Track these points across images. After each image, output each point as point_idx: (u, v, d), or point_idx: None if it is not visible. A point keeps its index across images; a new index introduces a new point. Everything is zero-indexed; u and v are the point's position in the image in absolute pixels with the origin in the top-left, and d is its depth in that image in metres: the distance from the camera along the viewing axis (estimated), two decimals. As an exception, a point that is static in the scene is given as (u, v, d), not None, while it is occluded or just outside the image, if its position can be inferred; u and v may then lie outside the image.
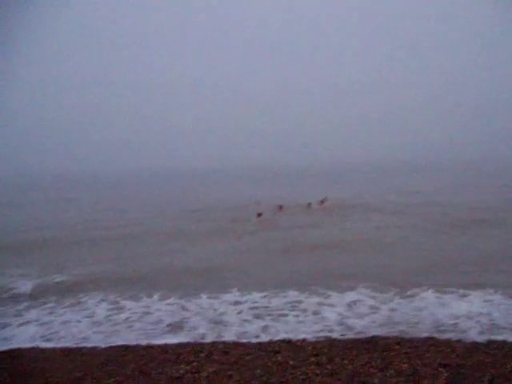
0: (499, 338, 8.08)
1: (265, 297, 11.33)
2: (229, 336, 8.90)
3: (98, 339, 9.14)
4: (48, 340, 9.21)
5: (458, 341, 7.98)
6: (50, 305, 11.59)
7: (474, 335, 8.27)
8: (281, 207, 29.32)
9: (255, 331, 9.09)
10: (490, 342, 7.83)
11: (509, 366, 6.65)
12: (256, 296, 11.43)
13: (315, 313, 10.05)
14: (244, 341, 8.57)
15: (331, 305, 10.53)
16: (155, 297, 11.83)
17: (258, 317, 9.98)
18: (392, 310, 10.01)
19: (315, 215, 27.02)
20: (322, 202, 30.46)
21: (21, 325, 10.23)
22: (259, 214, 25.89)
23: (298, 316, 9.91)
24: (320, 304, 10.63)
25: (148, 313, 10.67)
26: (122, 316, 10.55)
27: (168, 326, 9.74)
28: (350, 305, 10.48)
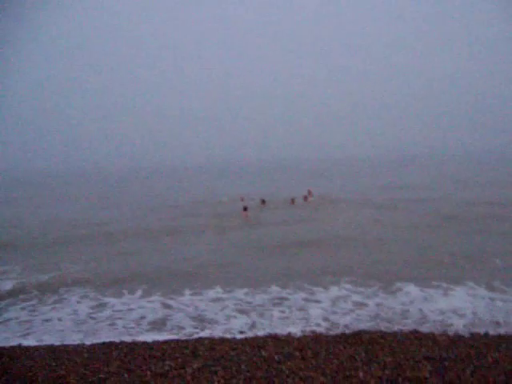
0: (482, 330, 8.19)
1: (248, 293, 11.33)
2: (213, 332, 8.90)
3: (81, 337, 9.06)
4: (30, 338, 9.11)
5: (442, 334, 8.07)
6: (31, 303, 11.45)
7: (458, 328, 8.39)
8: (263, 202, 29.36)
9: (240, 327, 9.10)
10: (473, 335, 7.94)
11: (491, 357, 6.74)
12: (240, 292, 11.43)
13: (300, 309, 10.09)
14: (229, 336, 8.56)
15: (316, 300, 10.57)
16: (138, 294, 11.76)
17: (242, 313, 9.99)
18: (378, 304, 10.08)
19: (299, 210, 27.10)
20: (306, 197, 30.58)
21: (0, 323, 10.10)
22: (245, 208, 25.97)
23: (283, 312, 9.94)
24: (305, 300, 10.67)
25: (131, 309, 10.61)
26: (105, 313, 10.47)
27: (151, 323, 9.71)
28: (335, 300, 10.53)
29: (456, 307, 9.63)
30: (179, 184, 63.49)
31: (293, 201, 29.52)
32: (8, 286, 13.01)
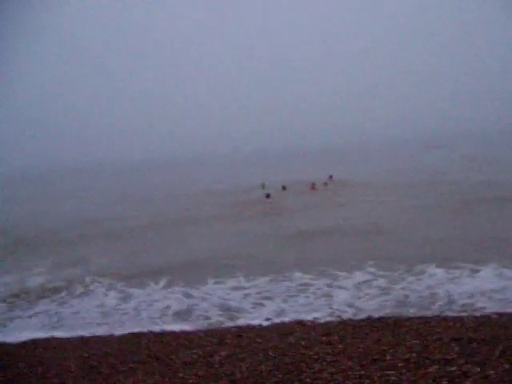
0: (510, 310, 8.11)
1: (272, 280, 11.40)
2: (240, 320, 9.00)
3: (109, 328, 9.26)
4: (61, 330, 9.35)
5: (469, 316, 8.02)
6: (60, 295, 11.76)
7: (486, 310, 8.32)
8: (284, 188, 29.40)
9: (266, 314, 9.17)
10: (501, 315, 7.86)
11: (519, 337, 6.69)
12: (263, 280, 11.51)
13: (325, 294, 10.13)
14: (255, 323, 8.64)
15: (341, 286, 10.59)
16: (161, 284, 11.95)
17: (267, 300, 10.07)
18: (403, 288, 10.05)
19: (320, 196, 27.04)
20: (326, 183, 30.53)
21: (32, 316, 10.39)
22: (267, 196, 26.16)
23: (307, 297, 9.99)
24: (329, 285, 10.71)
25: (155, 300, 10.79)
26: (131, 305, 10.68)
27: (177, 313, 9.86)
28: (359, 285, 10.54)
29: (483, 289, 9.53)
30: (196, 173, 63.73)
31: (313, 186, 29.40)
32: (37, 280, 13.34)
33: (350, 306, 9.28)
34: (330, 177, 32.88)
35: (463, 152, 59.04)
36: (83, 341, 8.54)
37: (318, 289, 10.54)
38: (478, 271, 10.77)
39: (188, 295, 10.96)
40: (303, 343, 7.34)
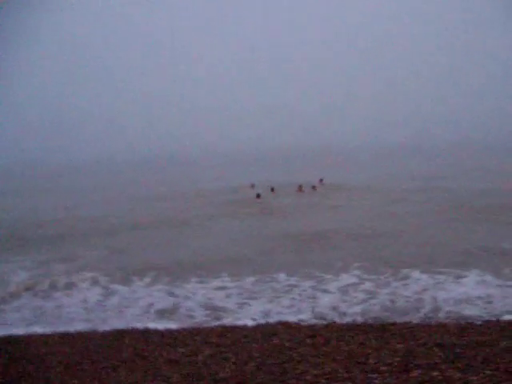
0: (494, 318, 8.18)
1: (257, 281, 11.40)
2: (224, 320, 8.97)
3: (92, 325, 9.18)
4: (43, 325, 9.24)
5: (454, 321, 8.08)
6: (43, 289, 11.64)
7: (470, 316, 8.38)
8: (272, 189, 29.44)
9: (250, 314, 9.15)
10: (486, 322, 7.92)
11: (503, 344, 6.74)
12: (248, 280, 11.50)
13: (310, 296, 10.14)
14: (240, 323, 8.62)
15: (326, 289, 10.62)
16: (145, 281, 11.88)
17: (252, 300, 10.06)
18: (389, 293, 10.10)
19: (309, 198, 27.10)
20: (314, 186, 30.59)
21: (14, 310, 10.27)
22: (258, 196, 26.25)
23: (293, 299, 9.99)
24: (314, 288, 10.73)
25: (140, 297, 10.73)
26: (114, 301, 10.61)
27: (160, 310, 9.79)
28: (345, 288, 10.57)
29: (468, 295, 9.62)
30: (187, 173, 63.62)
31: (300, 188, 29.43)
32: (21, 275, 13.19)
33: (336, 308, 9.30)
34: (321, 180, 33.05)
35: (461, 158, 59.48)
36: (66, 336, 8.44)
37: (304, 291, 10.55)
38: (461, 277, 10.87)
39: (172, 293, 10.92)
40: (288, 344, 7.34)
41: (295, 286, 10.93)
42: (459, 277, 10.90)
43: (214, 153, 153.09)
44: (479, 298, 9.40)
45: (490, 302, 9.09)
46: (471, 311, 8.63)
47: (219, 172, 59.46)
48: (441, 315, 8.53)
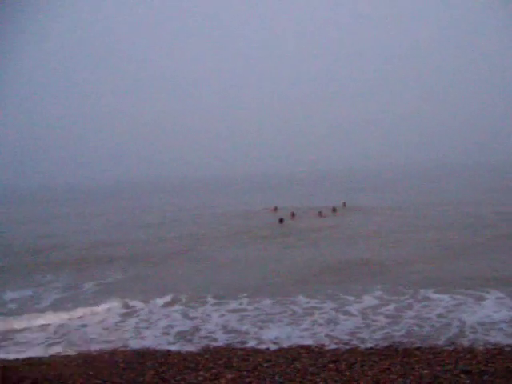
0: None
1: (276, 303, 11.34)
2: (245, 343, 8.89)
3: (114, 345, 9.18)
4: (63, 346, 9.27)
5: (481, 346, 7.89)
6: (64, 311, 11.71)
7: (497, 341, 8.19)
8: (293, 214, 29.38)
9: (272, 337, 9.06)
10: (514, 348, 7.73)
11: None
12: (267, 302, 11.45)
13: (332, 320, 10.03)
14: (262, 347, 8.54)
15: (348, 311, 10.51)
16: (164, 302, 11.93)
17: (272, 323, 9.97)
18: (412, 317, 9.96)
19: (330, 222, 26.90)
20: (335, 209, 30.64)
21: (35, 331, 10.35)
22: (281, 220, 26.48)
23: (314, 322, 9.89)
24: (336, 310, 10.64)
25: (159, 319, 10.75)
26: (133, 321, 10.66)
27: (180, 332, 9.77)
28: (367, 311, 10.46)
29: (493, 318, 9.45)
30: (203, 197, 63.76)
31: (320, 214, 29.48)
32: (51, 296, 13.35)
33: (359, 331, 9.18)
34: (344, 204, 33.50)
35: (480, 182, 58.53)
36: (87, 358, 8.45)
37: (325, 313, 10.46)
38: (482, 298, 10.79)
39: (190, 315, 10.92)
40: (310, 369, 7.25)
41: (315, 307, 10.90)
42: (479, 298, 10.87)
43: (227, 177, 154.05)
44: (503, 321, 9.24)
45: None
46: (498, 335, 8.44)
47: (236, 195, 59.56)
48: (466, 340, 8.35)
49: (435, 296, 11.26)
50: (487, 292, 11.33)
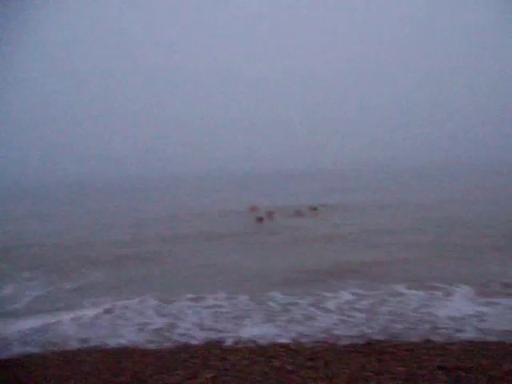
0: (494, 338, 8.09)
1: (252, 299, 11.37)
2: (222, 340, 8.82)
3: (87, 343, 9.05)
4: (38, 345, 9.09)
5: (455, 343, 7.98)
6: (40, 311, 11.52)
7: (470, 336, 8.31)
8: (271, 213, 29.39)
9: (249, 335, 8.99)
10: (487, 344, 7.83)
11: (506, 367, 6.68)
12: (243, 298, 11.47)
13: (309, 316, 10.06)
14: (240, 346, 8.50)
15: (325, 307, 10.57)
16: (137, 299, 11.78)
17: (249, 319, 9.94)
18: (388, 312, 10.07)
19: (307, 221, 27.00)
20: (314, 208, 30.73)
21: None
22: (260, 219, 26.53)
23: (292, 319, 9.88)
24: (314, 305, 10.70)
25: (135, 315, 10.69)
26: (108, 317, 10.60)
27: (157, 330, 9.68)
28: (343, 305, 10.54)
29: (463, 313, 9.62)
30: (187, 195, 63.12)
31: (299, 212, 29.56)
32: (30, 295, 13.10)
33: (335, 327, 9.21)
34: (320, 205, 33.75)
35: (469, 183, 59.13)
36: (62, 358, 8.28)
37: (303, 309, 10.49)
38: (451, 294, 11.06)
39: (166, 312, 10.86)
40: (288, 367, 7.24)
41: (294, 303, 10.96)
42: (447, 293, 11.12)
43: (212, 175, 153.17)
44: (474, 316, 9.43)
45: (486, 322, 9.05)
46: (471, 331, 8.55)
47: (220, 193, 59.12)
48: (440, 335, 8.43)
49: (408, 291, 11.43)
50: (457, 287, 11.58)
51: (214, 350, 8.25)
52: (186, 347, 8.57)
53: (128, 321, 10.38)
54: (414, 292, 11.33)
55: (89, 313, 11.06)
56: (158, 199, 54.42)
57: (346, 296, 11.32)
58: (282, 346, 8.29)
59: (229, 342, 8.70)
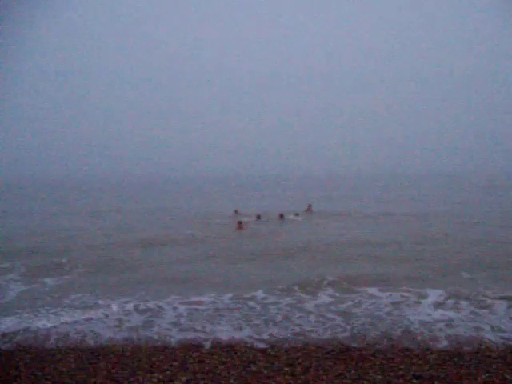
0: (469, 347, 8.14)
1: (234, 300, 11.34)
2: (201, 342, 8.75)
3: (64, 342, 8.90)
4: (10, 343, 8.91)
5: (431, 351, 8.04)
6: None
7: (447, 344, 8.36)
8: (259, 217, 29.42)
9: (228, 337, 8.94)
10: (463, 353, 7.89)
11: (482, 377, 6.75)
12: (226, 298, 11.46)
13: (288, 318, 10.05)
14: (218, 349, 8.45)
15: (304, 308, 10.61)
16: (117, 299, 11.65)
17: (229, 321, 9.88)
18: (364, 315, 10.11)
19: (290, 224, 27.11)
20: (297, 214, 30.95)
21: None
22: (240, 223, 26.06)
23: (271, 320, 9.85)
24: (292, 306, 10.76)
25: (112, 314, 10.53)
26: (86, 317, 10.40)
27: (133, 328, 9.56)
28: (322, 308, 10.59)
29: (441, 318, 9.74)
30: (171, 199, 62.72)
31: (281, 216, 29.57)
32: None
33: (313, 330, 9.21)
34: (308, 208, 33.95)
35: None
36: (36, 357, 8.13)
37: (282, 311, 10.50)
38: (423, 297, 11.17)
39: (144, 309, 10.76)
40: (266, 372, 7.23)
41: (274, 303, 11.04)
42: (420, 296, 11.26)
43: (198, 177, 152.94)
44: (451, 322, 9.52)
45: (460, 327, 9.14)
46: (446, 338, 8.59)
47: (205, 198, 58.98)
48: (416, 342, 8.46)
49: (381, 294, 11.58)
50: (430, 288, 11.81)
51: (191, 354, 8.17)
52: (164, 349, 8.49)
53: (105, 319, 10.21)
54: (386, 294, 11.53)
55: (67, 312, 10.87)
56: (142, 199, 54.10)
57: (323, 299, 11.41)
58: (260, 350, 8.24)
59: (206, 345, 8.62)
